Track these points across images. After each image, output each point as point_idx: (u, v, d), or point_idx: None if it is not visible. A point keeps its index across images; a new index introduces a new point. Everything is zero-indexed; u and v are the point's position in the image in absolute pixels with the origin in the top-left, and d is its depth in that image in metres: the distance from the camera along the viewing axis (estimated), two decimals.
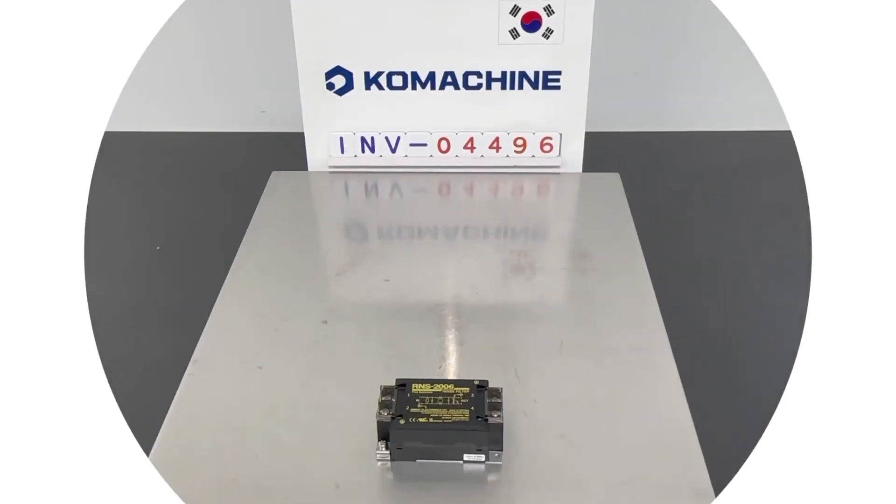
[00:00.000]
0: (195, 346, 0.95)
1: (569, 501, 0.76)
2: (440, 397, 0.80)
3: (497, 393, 0.81)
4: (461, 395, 0.80)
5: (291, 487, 0.77)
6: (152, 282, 1.29)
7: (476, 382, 0.81)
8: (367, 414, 0.81)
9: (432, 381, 0.81)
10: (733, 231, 1.41)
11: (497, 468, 0.79)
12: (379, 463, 0.79)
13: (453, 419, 0.77)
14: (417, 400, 0.79)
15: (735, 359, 1.10)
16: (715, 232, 1.42)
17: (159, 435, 0.83)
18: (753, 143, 1.75)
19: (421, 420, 0.77)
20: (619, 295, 1.02)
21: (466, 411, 0.78)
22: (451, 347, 0.94)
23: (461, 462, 0.79)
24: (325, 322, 0.98)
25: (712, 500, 0.75)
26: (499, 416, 0.78)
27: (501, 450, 0.79)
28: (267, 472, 0.78)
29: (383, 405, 0.79)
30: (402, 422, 0.77)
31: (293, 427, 0.83)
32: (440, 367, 0.90)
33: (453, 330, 0.96)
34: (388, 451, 0.79)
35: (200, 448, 0.81)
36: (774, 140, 1.73)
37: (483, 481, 0.78)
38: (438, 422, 0.77)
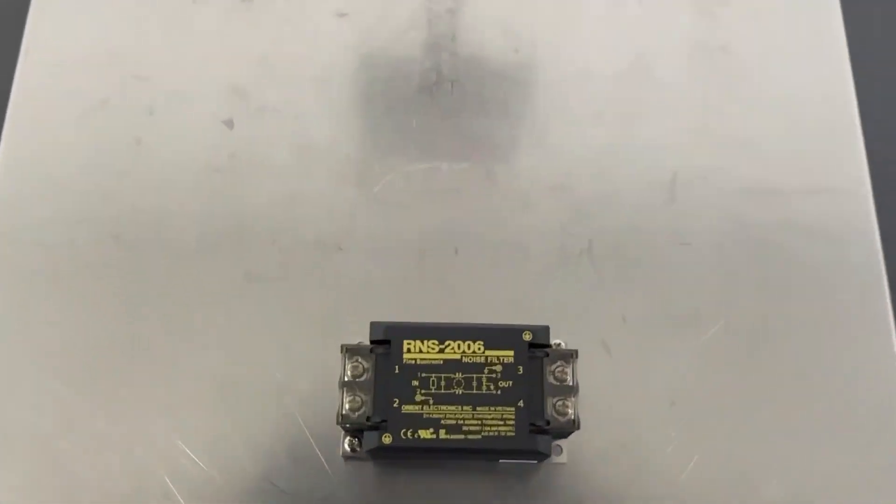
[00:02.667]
0: None
1: None
2: (459, 374, 0.41)
3: (567, 357, 0.42)
4: (498, 368, 0.41)
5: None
6: None
7: (527, 336, 0.42)
8: (325, 354, 0.45)
9: (441, 333, 0.42)
10: None
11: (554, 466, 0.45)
12: (346, 462, 0.45)
13: (485, 433, 0.40)
14: (415, 381, 0.41)
15: None
16: None
17: None
18: None
19: (425, 437, 0.40)
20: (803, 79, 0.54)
21: (510, 413, 0.41)
22: (474, 208, 0.51)
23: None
24: (231, 127, 0.52)
25: None
26: (569, 414, 0.41)
27: (566, 437, 0.44)
28: (140, 469, 0.45)
29: (350, 388, 0.41)
30: (387, 439, 0.40)
31: (194, 393, 0.47)
32: (456, 252, 0.49)
33: (473, 167, 0.52)
34: (359, 450, 0.44)
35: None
36: None
37: (525, 484, 0.45)
38: (459, 439, 0.40)
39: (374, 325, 0.42)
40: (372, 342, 0.42)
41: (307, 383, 0.46)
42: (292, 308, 0.47)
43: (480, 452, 0.40)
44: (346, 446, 0.44)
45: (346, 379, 0.41)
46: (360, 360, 0.42)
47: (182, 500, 0.44)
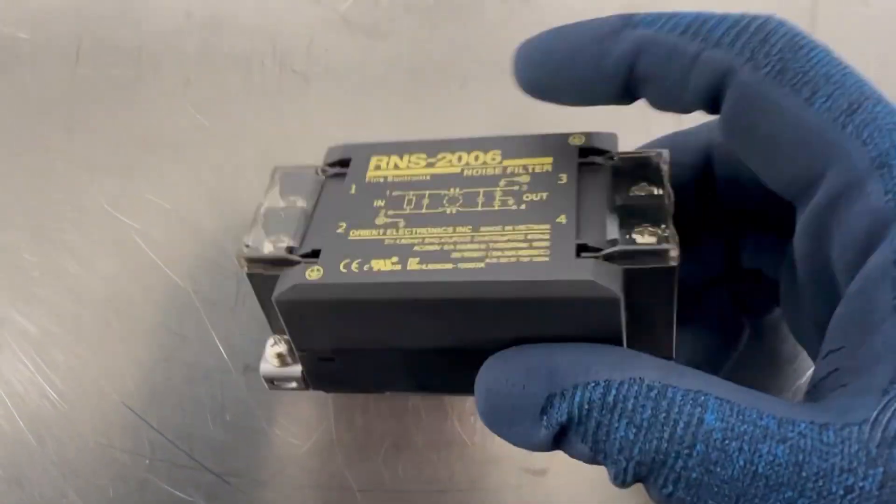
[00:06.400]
0: None
1: None
2: (455, 189, 0.24)
3: (651, 166, 0.23)
4: (523, 179, 0.23)
5: None
6: None
7: (576, 139, 0.24)
8: None
9: (432, 147, 0.25)
10: None
11: None
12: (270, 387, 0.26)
13: (493, 258, 0.21)
14: (379, 200, 0.24)
15: None
16: None
17: None
18: None
19: (382, 268, 0.22)
20: None
21: (542, 231, 0.22)
22: None
23: None
24: None
25: None
26: (658, 237, 0.21)
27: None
28: None
29: (269, 221, 0.24)
30: (313, 274, 0.22)
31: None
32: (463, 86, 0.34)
33: None
34: (295, 369, 0.25)
35: None
36: None
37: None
38: (443, 269, 0.21)
39: (331, 151, 0.26)
40: (328, 166, 0.26)
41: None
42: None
43: (479, 304, 0.21)
44: (274, 358, 0.24)
45: (265, 208, 0.25)
46: (296, 191, 0.25)
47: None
